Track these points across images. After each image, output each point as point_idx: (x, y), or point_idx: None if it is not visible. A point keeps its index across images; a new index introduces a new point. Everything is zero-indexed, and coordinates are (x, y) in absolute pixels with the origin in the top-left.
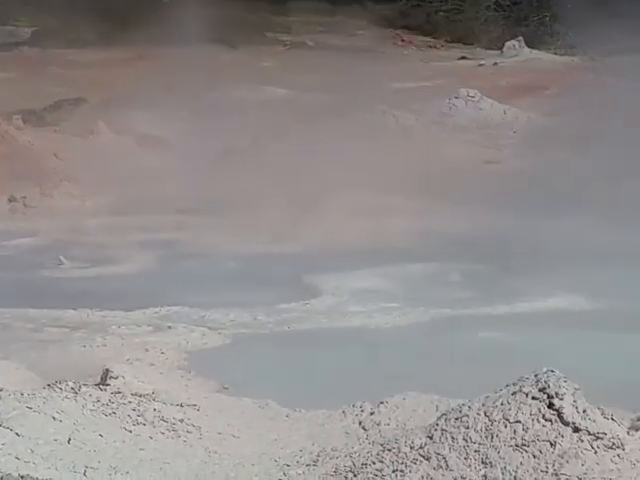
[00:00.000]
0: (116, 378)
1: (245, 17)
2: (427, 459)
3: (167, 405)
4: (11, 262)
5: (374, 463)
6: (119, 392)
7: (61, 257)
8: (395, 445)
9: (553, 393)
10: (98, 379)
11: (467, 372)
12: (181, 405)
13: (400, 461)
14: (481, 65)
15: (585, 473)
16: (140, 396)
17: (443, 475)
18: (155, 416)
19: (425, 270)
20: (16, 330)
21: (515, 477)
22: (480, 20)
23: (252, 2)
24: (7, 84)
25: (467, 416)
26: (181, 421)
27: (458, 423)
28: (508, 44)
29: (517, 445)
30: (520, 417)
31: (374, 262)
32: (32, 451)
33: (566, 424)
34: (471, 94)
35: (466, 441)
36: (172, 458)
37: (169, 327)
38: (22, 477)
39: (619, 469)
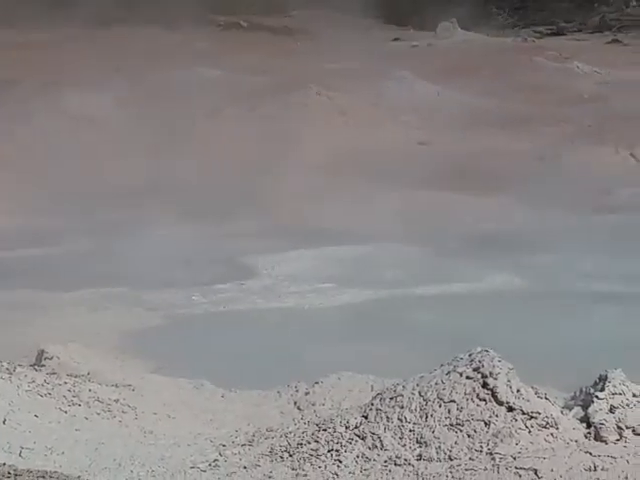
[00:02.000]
0: (51, 359)
1: None
2: (362, 439)
3: (102, 386)
4: None
5: (309, 443)
6: (54, 373)
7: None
8: (330, 425)
9: (487, 373)
10: (33, 360)
11: (401, 352)
12: (116, 385)
13: (335, 441)
14: (414, 46)
15: (519, 452)
16: (75, 377)
17: (378, 455)
18: (90, 397)
19: (359, 251)
20: None
21: (450, 456)
22: (414, 1)
23: None
24: None
25: (402, 396)
26: (116, 401)
27: (393, 403)
28: (442, 25)
29: (452, 424)
30: (454, 396)
31: (309, 243)
32: None
33: (500, 403)
34: (404, 75)
35: (401, 421)
36: (108, 438)
37: (105, 308)
38: None
39: (553, 448)
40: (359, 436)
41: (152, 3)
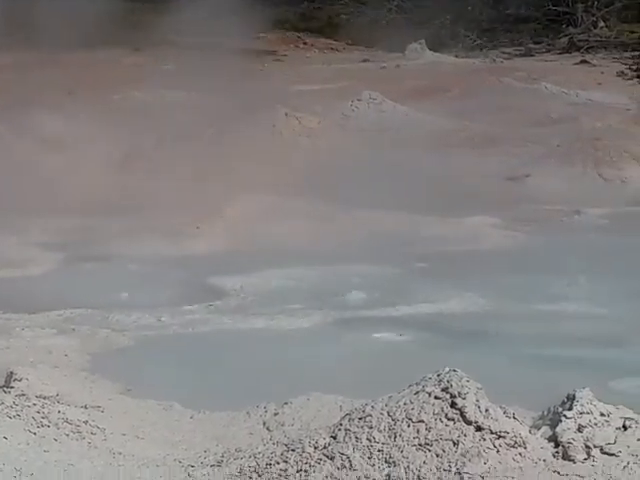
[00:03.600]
0: (20, 380)
1: (147, 19)
2: (331, 459)
3: (71, 407)
4: None
5: (278, 463)
6: (23, 394)
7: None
8: (299, 445)
9: (456, 392)
10: (2, 382)
11: (370, 372)
12: (85, 407)
13: (304, 461)
14: (383, 68)
15: (488, 471)
16: (44, 398)
17: (347, 475)
18: (59, 418)
19: (328, 272)
20: None
21: (418, 476)
22: (382, 23)
23: (154, 4)
24: None
25: (370, 416)
26: (85, 423)
27: (362, 423)
28: (410, 47)
29: (420, 444)
30: (423, 416)
31: (278, 264)
32: None
33: (469, 423)
34: (373, 96)
35: (370, 441)
36: (77, 460)
37: (73, 329)
38: None
39: (521, 467)
40: (328, 456)
41: (115, 27)
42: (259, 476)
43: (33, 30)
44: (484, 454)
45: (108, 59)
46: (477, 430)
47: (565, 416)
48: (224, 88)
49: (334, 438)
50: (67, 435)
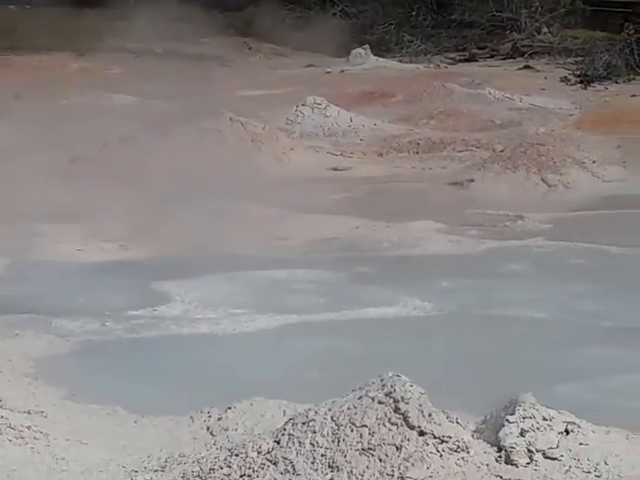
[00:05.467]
0: None
1: (93, 24)
2: (274, 464)
3: (14, 412)
4: None
5: (222, 468)
6: None
7: None
8: (243, 450)
9: (399, 397)
10: None
11: (314, 377)
12: (28, 412)
13: (248, 466)
14: (328, 73)
15: (430, 476)
16: None
17: (290, 479)
18: (2, 423)
19: (273, 276)
20: None
21: None
22: (326, 28)
23: (100, 9)
24: None
25: (314, 421)
26: (28, 428)
27: (305, 428)
28: (354, 52)
29: (363, 449)
30: (366, 421)
31: (222, 269)
32: None
33: (412, 428)
34: (318, 101)
35: (313, 445)
36: (20, 465)
37: (16, 334)
38: None
39: (464, 472)
40: (271, 461)
41: (64, 31)
42: None
43: None
44: (427, 459)
45: (52, 63)
46: (420, 435)
47: (508, 420)
48: (169, 93)
49: (277, 443)
50: (10, 440)
